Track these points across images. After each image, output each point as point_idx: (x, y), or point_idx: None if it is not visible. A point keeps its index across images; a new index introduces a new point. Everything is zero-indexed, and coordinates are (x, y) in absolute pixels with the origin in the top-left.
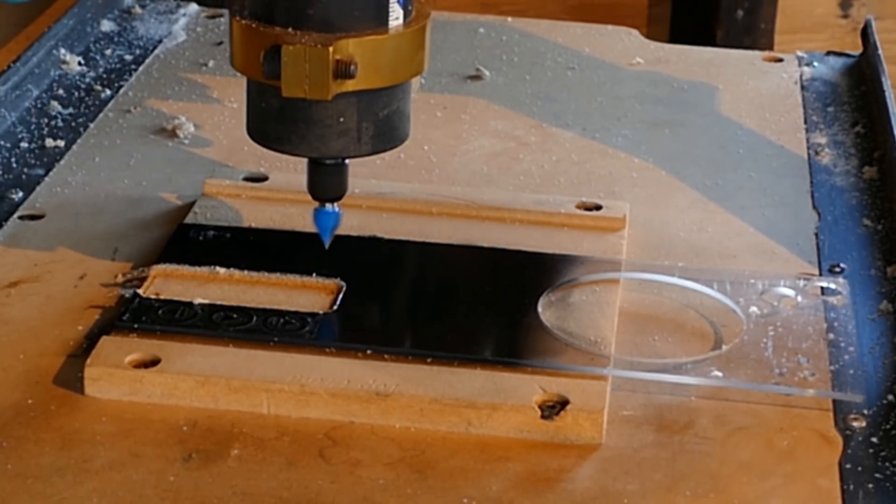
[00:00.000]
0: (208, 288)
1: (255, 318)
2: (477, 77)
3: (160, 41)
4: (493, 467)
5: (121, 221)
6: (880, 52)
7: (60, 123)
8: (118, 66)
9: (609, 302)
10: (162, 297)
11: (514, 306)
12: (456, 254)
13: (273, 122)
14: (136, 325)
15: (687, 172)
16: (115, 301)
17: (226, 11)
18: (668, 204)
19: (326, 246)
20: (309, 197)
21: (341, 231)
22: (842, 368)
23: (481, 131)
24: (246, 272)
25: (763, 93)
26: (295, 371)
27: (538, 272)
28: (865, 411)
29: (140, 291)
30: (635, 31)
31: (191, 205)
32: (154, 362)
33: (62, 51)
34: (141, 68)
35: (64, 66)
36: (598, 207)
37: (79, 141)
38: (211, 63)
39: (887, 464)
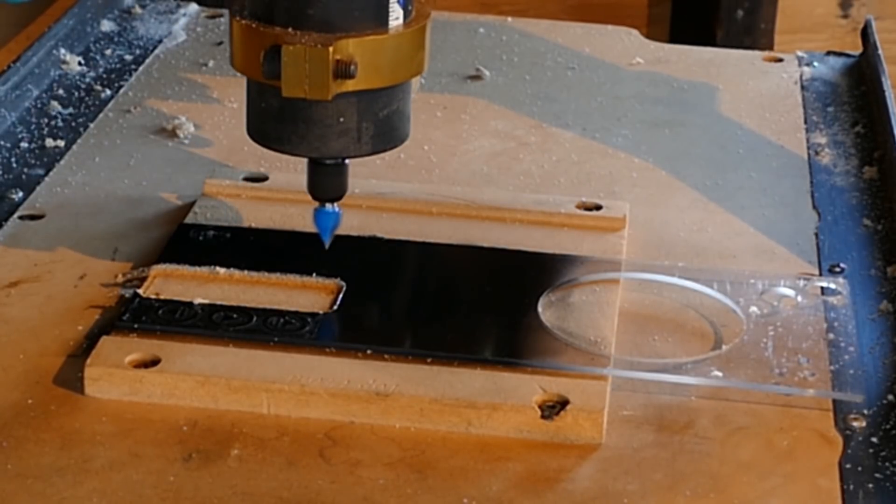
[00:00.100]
0: (208, 288)
1: (255, 318)
2: (477, 77)
3: (160, 41)
4: (493, 467)
5: (121, 221)
6: (880, 52)
7: (60, 123)
8: (118, 66)
9: (609, 302)
10: (162, 297)
11: (514, 306)
12: (456, 254)
13: (273, 122)
14: (136, 325)
15: (687, 172)
16: (115, 301)
17: (226, 11)
18: (668, 204)
19: (326, 246)
20: (309, 197)
21: (341, 231)
22: (842, 368)
23: (481, 131)
24: (246, 272)
25: (763, 93)
26: (295, 371)
27: (538, 272)
28: (865, 411)
29: (140, 291)
30: (635, 31)
31: (191, 205)
32: (154, 362)
33: (62, 51)
34: (141, 68)
35: (64, 66)
36: (598, 207)
37: (79, 141)
38: (211, 63)
39: (887, 464)
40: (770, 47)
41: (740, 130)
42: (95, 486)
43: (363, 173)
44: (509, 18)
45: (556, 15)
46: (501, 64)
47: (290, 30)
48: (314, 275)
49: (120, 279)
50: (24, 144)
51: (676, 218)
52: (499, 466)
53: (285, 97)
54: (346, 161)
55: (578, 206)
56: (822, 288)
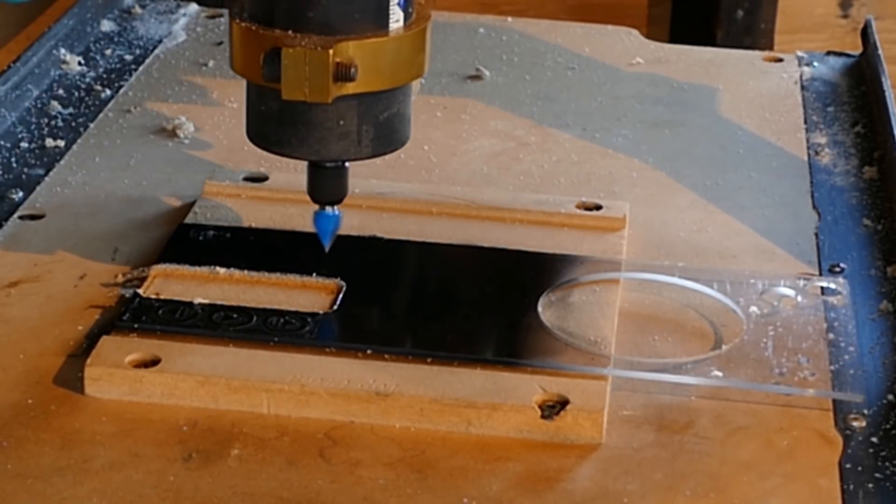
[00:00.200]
0: (208, 288)
1: (255, 318)
2: (477, 77)
3: (160, 41)
4: (493, 467)
5: (121, 221)
6: (880, 52)
7: (60, 123)
8: (118, 66)
9: (609, 302)
10: (162, 297)
11: (514, 306)
12: (456, 254)
13: (273, 124)
14: (136, 325)
15: (687, 172)
16: (115, 301)
17: (226, 12)
18: (668, 204)
19: (326, 249)
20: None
21: (341, 231)
22: (842, 368)
23: (481, 131)
24: (246, 272)
25: (763, 93)
26: (295, 371)
27: (538, 272)
28: (865, 411)
29: (140, 291)
30: (635, 31)
31: (191, 205)
32: (154, 362)
33: (62, 51)
34: (141, 68)
35: (64, 66)
36: (598, 207)
37: (79, 141)
38: (211, 63)
39: (887, 464)
40: (770, 47)
41: (740, 130)
42: (95, 486)
43: (363, 173)
44: (509, 18)
45: (556, 15)
46: (501, 64)
47: (290, 32)
48: (314, 275)
49: (120, 279)
50: (24, 144)
51: (676, 218)
52: (499, 466)
53: (285, 100)
54: (347, 164)
55: (578, 206)
56: (822, 288)
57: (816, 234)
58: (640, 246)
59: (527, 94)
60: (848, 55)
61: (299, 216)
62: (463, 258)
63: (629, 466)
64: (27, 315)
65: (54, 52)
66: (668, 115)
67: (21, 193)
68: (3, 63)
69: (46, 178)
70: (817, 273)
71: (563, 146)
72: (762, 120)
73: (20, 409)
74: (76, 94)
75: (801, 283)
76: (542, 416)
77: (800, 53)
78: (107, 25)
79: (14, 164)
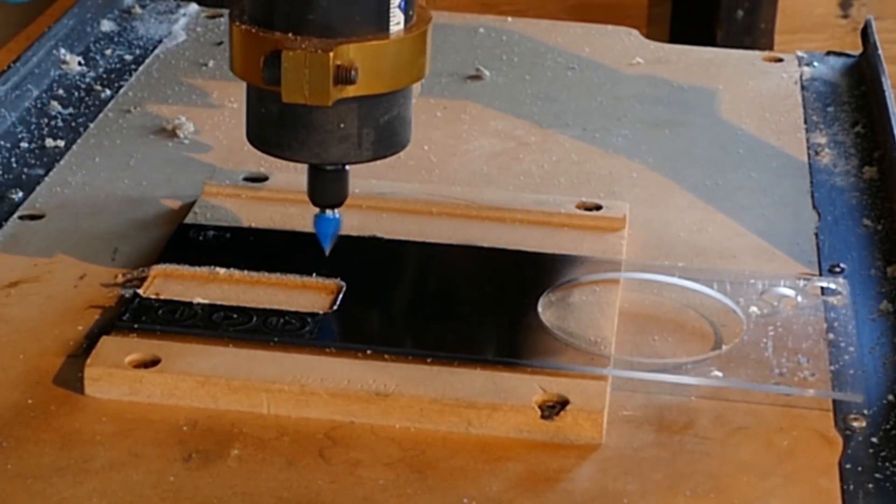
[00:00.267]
0: (208, 288)
1: (255, 318)
2: (477, 77)
3: (160, 41)
4: (493, 467)
5: (121, 221)
6: (880, 52)
7: (60, 123)
8: (118, 66)
9: (609, 302)
10: (162, 297)
11: (514, 306)
12: (456, 254)
13: (273, 127)
14: (136, 325)
15: (687, 172)
16: (115, 301)
17: (226, 12)
18: (668, 204)
19: (327, 253)
20: None
21: (341, 231)
22: (842, 368)
23: (481, 131)
24: (246, 272)
25: (763, 93)
26: (295, 371)
27: (538, 272)
28: (865, 411)
29: (140, 291)
30: (635, 31)
31: (191, 205)
32: (154, 362)
33: (62, 51)
34: (141, 68)
35: (64, 66)
36: (598, 207)
37: (79, 141)
38: (211, 63)
39: (887, 464)
40: (770, 47)
41: (740, 130)
42: (95, 486)
43: (363, 173)
44: (509, 18)
45: (556, 15)
46: (501, 64)
47: (290, 35)
48: (314, 275)
49: (120, 279)
50: (24, 144)
51: (676, 218)
52: (499, 466)
53: (285, 103)
54: (347, 167)
55: (578, 206)
56: (822, 288)
57: (816, 235)
58: (640, 246)
59: (527, 94)
60: (848, 55)
61: (299, 216)
62: (463, 258)
63: (629, 466)
64: (27, 315)
65: (54, 52)
66: (668, 115)
67: (21, 193)
68: (3, 63)
69: (46, 178)
70: (817, 273)
71: (563, 146)
72: (762, 120)
73: (20, 409)
74: (76, 94)
75: (801, 283)
76: (542, 417)
77: (800, 53)
78: (107, 25)
79: (14, 164)
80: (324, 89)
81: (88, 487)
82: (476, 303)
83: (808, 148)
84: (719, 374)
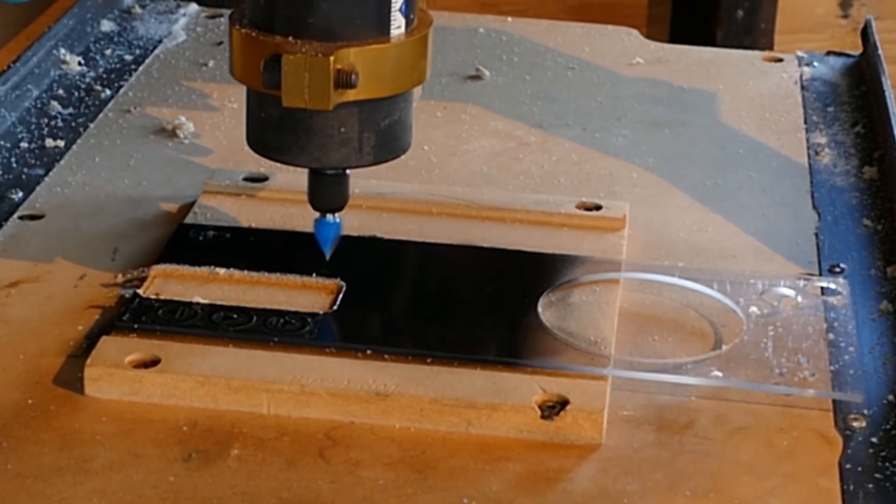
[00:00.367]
0: (208, 288)
1: (255, 318)
2: (477, 77)
3: (160, 41)
4: (493, 467)
5: (121, 221)
6: (880, 52)
7: (60, 123)
8: (118, 66)
9: (609, 302)
10: (162, 297)
11: (514, 306)
12: (456, 254)
13: (273, 131)
14: (136, 325)
15: (687, 172)
16: (115, 301)
17: (226, 11)
18: (668, 204)
19: (327, 257)
20: None
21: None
22: (842, 368)
23: (481, 131)
24: (246, 272)
25: (763, 93)
26: (295, 371)
27: (538, 272)
28: (865, 411)
29: (140, 291)
30: (635, 31)
31: (191, 205)
32: (154, 362)
33: (62, 51)
34: (141, 68)
35: (64, 66)
36: (598, 207)
37: (79, 141)
38: (211, 63)
39: (887, 464)
40: (770, 47)
41: (740, 130)
42: (95, 486)
43: (363, 173)
44: (509, 18)
45: (556, 15)
46: (501, 64)
47: (290, 39)
48: (314, 275)
49: (120, 279)
50: (24, 144)
51: (676, 218)
52: (499, 466)
53: (285, 107)
54: (347, 171)
55: (578, 206)
56: (822, 288)
57: (816, 235)
58: (640, 246)
59: (527, 94)
60: (848, 55)
61: (299, 216)
62: (463, 258)
63: (629, 466)
64: (27, 315)
65: (54, 52)
66: (668, 115)
67: (21, 193)
68: (3, 63)
69: (46, 178)
70: (817, 273)
71: (563, 146)
72: (762, 120)
73: (20, 409)
74: (76, 94)
75: (801, 283)
76: (542, 417)
77: (800, 53)
78: (107, 25)
79: (14, 164)
80: (324, 93)
81: (88, 487)
82: (476, 303)
83: (808, 148)
84: (719, 374)
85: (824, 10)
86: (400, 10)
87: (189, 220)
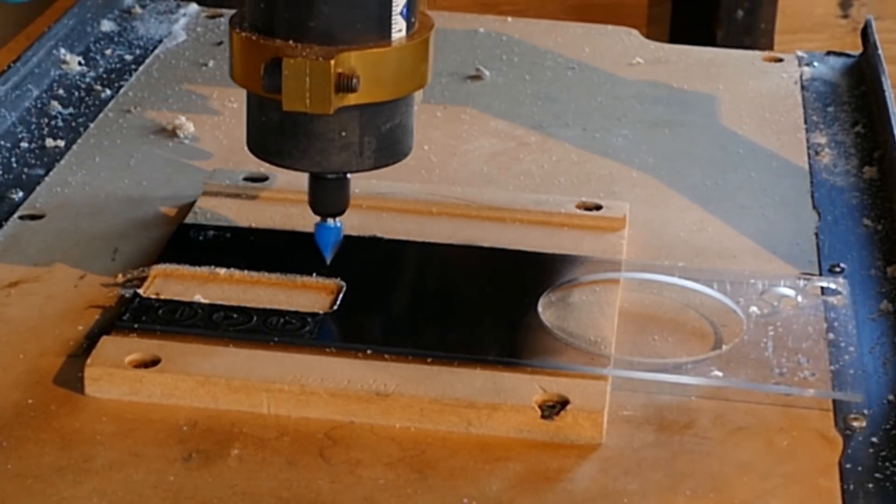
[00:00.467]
0: (208, 288)
1: (255, 318)
2: (477, 77)
3: (160, 41)
4: (493, 467)
5: (121, 221)
6: (880, 52)
7: (60, 123)
8: (118, 66)
9: (609, 302)
10: (162, 297)
11: (514, 306)
12: (456, 254)
13: (273, 136)
14: (136, 325)
15: (687, 172)
16: (115, 301)
17: (226, 11)
18: (668, 204)
19: (328, 262)
20: None
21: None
22: (842, 368)
23: (481, 131)
24: (246, 272)
25: (763, 93)
26: (295, 371)
27: (538, 272)
28: (865, 411)
29: (140, 291)
30: (635, 31)
31: (191, 205)
32: (154, 362)
33: (62, 51)
34: (141, 68)
35: (64, 66)
36: (598, 207)
37: (79, 141)
38: (211, 63)
39: (887, 464)
40: (770, 47)
41: (740, 130)
42: (95, 486)
43: (363, 174)
44: (509, 18)
45: (556, 15)
46: (501, 64)
47: (291, 42)
48: (314, 275)
49: (120, 279)
50: (24, 144)
51: (676, 218)
52: (499, 466)
53: (286, 111)
54: (348, 175)
55: (578, 206)
56: (822, 288)
57: (816, 235)
58: (640, 246)
59: (527, 94)
60: (848, 55)
61: (299, 216)
62: (463, 258)
63: (629, 466)
64: (27, 315)
65: (54, 52)
66: (668, 115)
67: (21, 193)
68: (3, 63)
69: (46, 178)
70: (817, 273)
71: (563, 146)
72: (762, 120)
73: (20, 409)
74: (76, 94)
75: (801, 283)
76: (542, 416)
77: (800, 53)
78: (107, 25)
79: (14, 164)
80: (325, 97)
81: (88, 487)
82: (476, 303)
83: (808, 148)
84: (719, 374)
85: (824, 10)
86: (401, 13)
87: (189, 220)
